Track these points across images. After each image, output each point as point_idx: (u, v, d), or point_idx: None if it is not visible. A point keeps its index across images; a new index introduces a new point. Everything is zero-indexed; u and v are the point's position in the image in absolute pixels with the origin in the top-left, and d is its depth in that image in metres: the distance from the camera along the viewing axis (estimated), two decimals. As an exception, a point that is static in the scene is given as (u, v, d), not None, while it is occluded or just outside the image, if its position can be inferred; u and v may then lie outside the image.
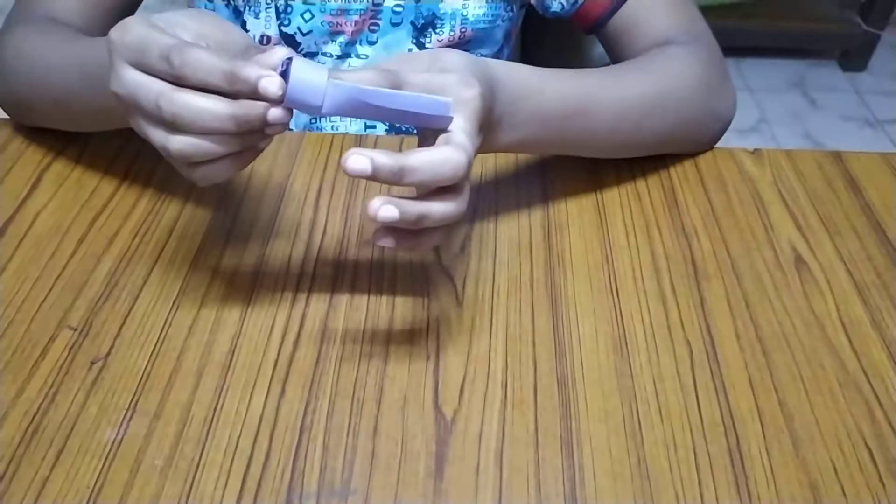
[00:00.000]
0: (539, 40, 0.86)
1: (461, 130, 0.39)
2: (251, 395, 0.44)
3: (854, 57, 1.99)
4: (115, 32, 0.38)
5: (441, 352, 0.46)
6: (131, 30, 0.37)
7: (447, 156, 0.37)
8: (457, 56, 0.43)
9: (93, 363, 0.45)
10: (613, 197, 0.57)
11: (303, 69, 0.36)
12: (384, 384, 0.44)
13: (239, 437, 0.42)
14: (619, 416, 0.43)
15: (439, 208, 0.38)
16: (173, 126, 0.37)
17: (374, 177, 0.36)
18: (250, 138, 0.38)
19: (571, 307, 0.49)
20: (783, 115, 1.86)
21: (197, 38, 0.39)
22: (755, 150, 0.62)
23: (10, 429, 0.42)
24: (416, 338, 0.47)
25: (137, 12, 0.44)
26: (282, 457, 0.41)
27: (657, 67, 0.56)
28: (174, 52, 0.36)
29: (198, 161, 0.38)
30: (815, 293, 0.51)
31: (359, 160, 0.35)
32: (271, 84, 0.35)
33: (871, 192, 0.59)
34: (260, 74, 0.35)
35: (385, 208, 0.36)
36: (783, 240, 0.54)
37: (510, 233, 0.54)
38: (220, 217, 0.55)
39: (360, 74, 0.39)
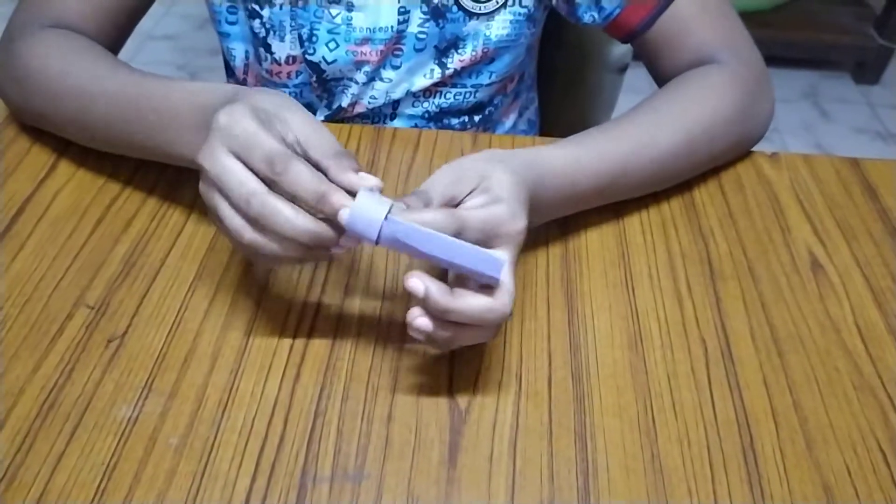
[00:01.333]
0: (555, 43, 0.86)
1: (507, 267, 0.41)
2: (266, 379, 0.44)
3: (868, 70, 1.98)
4: (224, 117, 0.40)
5: (456, 342, 0.46)
6: (241, 121, 0.39)
7: (492, 306, 0.40)
8: (504, 175, 0.43)
9: (109, 342, 0.45)
10: (632, 200, 0.57)
11: (364, 203, 0.38)
12: (399, 373, 0.44)
13: (254, 420, 0.42)
14: (633, 411, 0.43)
15: (475, 304, 0.40)
16: (254, 222, 0.39)
17: (424, 304, 0.39)
18: (317, 252, 0.41)
19: (587, 302, 0.49)
20: (795, 125, 1.86)
21: (297, 137, 0.40)
22: (773, 153, 0.62)
23: (27, 404, 0.42)
24: (432, 327, 0.47)
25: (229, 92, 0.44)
26: (296, 440, 0.41)
27: (693, 105, 0.56)
28: (278, 160, 0.38)
29: (262, 255, 0.40)
30: (830, 297, 0.51)
31: (417, 284, 0.39)
32: (346, 242, 0.40)
33: (888, 198, 0.59)
34: (343, 204, 0.38)
35: (419, 321, 0.40)
36: (800, 243, 0.54)
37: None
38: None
39: (423, 216, 0.40)
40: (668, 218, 0.56)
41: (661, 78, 0.62)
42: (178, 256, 0.51)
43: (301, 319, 0.47)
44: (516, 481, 0.40)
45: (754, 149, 0.62)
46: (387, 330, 0.47)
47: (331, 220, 0.39)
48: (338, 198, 0.38)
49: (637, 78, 0.83)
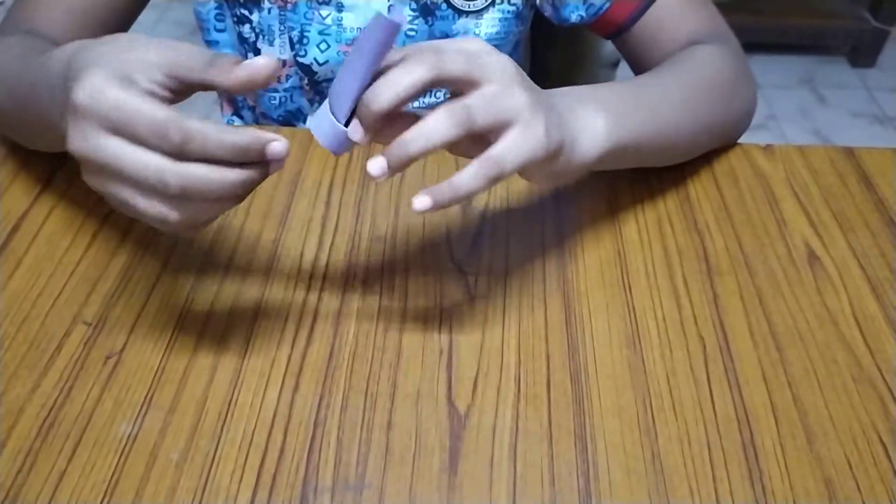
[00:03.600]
0: (547, 41, 0.86)
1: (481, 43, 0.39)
2: (265, 390, 0.44)
3: (863, 53, 1.98)
4: (82, 95, 0.35)
5: (454, 346, 0.46)
6: (104, 93, 0.35)
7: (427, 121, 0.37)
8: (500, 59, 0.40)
9: (108, 358, 0.45)
10: (625, 193, 0.57)
11: (319, 121, 0.40)
12: (397, 379, 0.45)
13: (254, 432, 0.42)
14: (632, 411, 0.43)
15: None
16: (177, 199, 0.36)
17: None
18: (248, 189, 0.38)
19: (584, 303, 0.49)
20: (792, 111, 1.86)
21: (168, 73, 0.37)
22: (767, 145, 0.62)
23: (27, 422, 0.42)
24: (429, 332, 0.47)
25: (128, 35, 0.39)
26: (296, 451, 0.41)
27: (691, 66, 0.55)
28: (172, 128, 0.34)
29: (200, 223, 0.38)
30: (828, 289, 0.50)
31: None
32: (280, 147, 0.36)
33: (884, 187, 0.58)
34: (267, 140, 0.36)
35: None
36: (796, 236, 0.54)
37: (521, 229, 0.54)
38: (232, 212, 0.55)
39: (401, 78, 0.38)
40: (664, 214, 0.56)
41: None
42: (175, 268, 0.51)
43: (298, 329, 0.47)
44: (517, 486, 0.40)
45: (749, 141, 0.62)
46: (383, 337, 0.47)
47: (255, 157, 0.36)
48: (255, 140, 0.36)
49: (629, 72, 0.83)
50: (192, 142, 0.34)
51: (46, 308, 0.48)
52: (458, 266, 0.51)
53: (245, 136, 0.36)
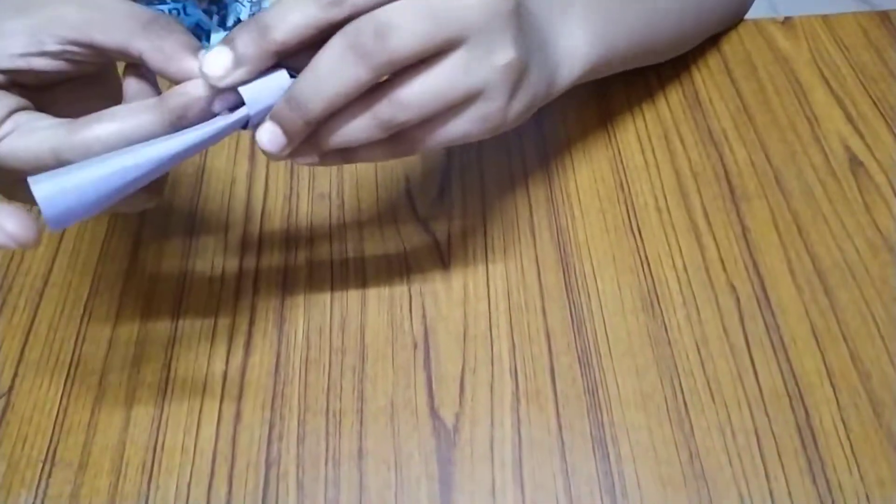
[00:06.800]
0: None
1: None
2: (198, 425, 0.35)
3: None
4: None
5: (430, 336, 0.37)
6: None
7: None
8: None
9: (-8, 402, 0.36)
10: (622, 102, 0.46)
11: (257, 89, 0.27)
12: (364, 388, 0.35)
13: (189, 486, 0.33)
14: (658, 397, 0.35)
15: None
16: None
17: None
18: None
19: (585, 256, 0.39)
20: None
21: (82, 28, 0.27)
22: (785, 19, 0.50)
23: None
24: (397, 321, 0.37)
25: None
26: (247, 505, 0.32)
27: None
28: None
29: None
30: (876, 202, 0.41)
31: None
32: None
33: (930, 59, 0.48)
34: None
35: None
36: (832, 136, 0.44)
37: (496, 165, 0.43)
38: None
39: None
40: (671, 125, 0.45)
41: None
42: (64, 267, 0.40)
43: (232, 334, 0.37)
44: (528, 518, 0.32)
45: (762, 15, 0.50)
46: (341, 333, 0.37)
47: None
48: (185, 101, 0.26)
49: None
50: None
51: None
52: (423, 224, 0.41)
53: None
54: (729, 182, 0.42)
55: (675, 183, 0.42)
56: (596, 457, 0.33)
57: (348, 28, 0.24)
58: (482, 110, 0.27)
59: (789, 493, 0.32)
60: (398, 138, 0.27)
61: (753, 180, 0.42)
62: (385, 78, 0.26)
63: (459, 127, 0.27)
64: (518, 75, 0.27)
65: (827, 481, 0.32)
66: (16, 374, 0.36)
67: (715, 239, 0.40)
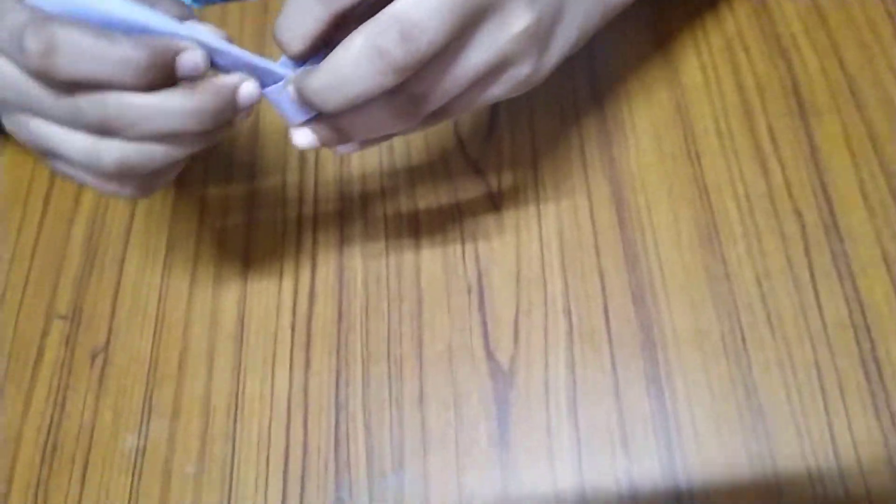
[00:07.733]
0: None
1: None
2: (273, 373, 0.37)
3: None
4: None
5: (484, 279, 0.38)
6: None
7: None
8: None
9: (94, 357, 0.39)
10: (679, 15, 0.43)
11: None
12: (422, 334, 0.37)
13: (270, 428, 0.36)
14: (716, 334, 0.34)
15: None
16: (101, 130, 0.25)
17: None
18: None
19: (639, 189, 0.38)
20: None
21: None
22: None
23: (28, 450, 0.38)
24: (451, 265, 0.38)
25: None
26: (321, 447, 0.35)
27: None
28: (30, 33, 0.23)
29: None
30: (969, 107, 0.38)
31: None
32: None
33: None
34: (177, 49, 0.24)
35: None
36: (921, 33, 0.40)
37: (547, 95, 0.42)
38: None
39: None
40: (734, 34, 0.42)
41: None
42: (142, 229, 0.43)
43: (297, 287, 0.39)
44: (582, 456, 0.33)
45: None
46: (398, 281, 0.38)
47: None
48: (163, 48, 0.24)
49: None
50: (56, 53, 0.23)
51: (16, 307, 0.42)
52: (473, 165, 0.41)
53: (145, 44, 0.23)
54: (797, 95, 0.39)
55: (738, 100, 0.40)
56: (650, 395, 0.34)
57: (369, 29, 0.23)
58: (513, 76, 0.26)
59: (849, 428, 0.32)
60: (430, 117, 0.27)
61: (825, 93, 0.39)
62: None
63: (493, 93, 0.26)
64: (542, 34, 0.26)
65: (891, 415, 0.32)
66: (110, 331, 0.40)
67: (781, 162, 0.38)
